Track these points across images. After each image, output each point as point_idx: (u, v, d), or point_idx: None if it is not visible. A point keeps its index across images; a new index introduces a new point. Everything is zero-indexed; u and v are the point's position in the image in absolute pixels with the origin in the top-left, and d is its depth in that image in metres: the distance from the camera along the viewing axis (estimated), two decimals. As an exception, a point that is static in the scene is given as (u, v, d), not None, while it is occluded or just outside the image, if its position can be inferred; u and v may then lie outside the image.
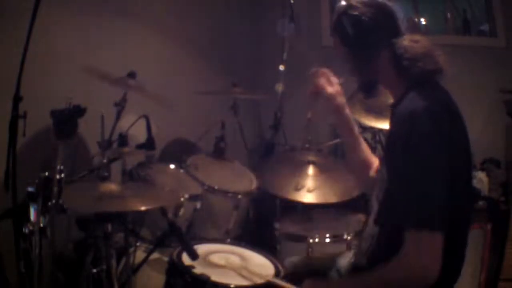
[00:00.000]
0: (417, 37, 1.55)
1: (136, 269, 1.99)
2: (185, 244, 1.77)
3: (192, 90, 2.93)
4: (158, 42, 3.09)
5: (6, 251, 2.23)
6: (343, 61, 1.64)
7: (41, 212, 1.66)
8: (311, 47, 3.45)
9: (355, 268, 1.68)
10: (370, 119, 2.50)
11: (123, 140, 2.24)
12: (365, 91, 1.67)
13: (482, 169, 2.83)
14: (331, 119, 1.86)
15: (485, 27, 3.10)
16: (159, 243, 2.00)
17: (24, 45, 1.96)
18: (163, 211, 1.88)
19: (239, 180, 2.61)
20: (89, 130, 2.15)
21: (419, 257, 1.35)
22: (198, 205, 2.31)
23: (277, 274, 1.80)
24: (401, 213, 1.39)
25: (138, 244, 2.12)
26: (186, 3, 3.24)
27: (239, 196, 2.46)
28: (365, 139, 2.96)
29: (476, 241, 2.69)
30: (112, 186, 1.81)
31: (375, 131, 2.85)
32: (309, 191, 2.45)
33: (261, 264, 1.89)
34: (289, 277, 1.75)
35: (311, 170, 2.56)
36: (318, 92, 1.82)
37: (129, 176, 2.27)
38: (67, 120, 2.16)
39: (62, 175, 1.71)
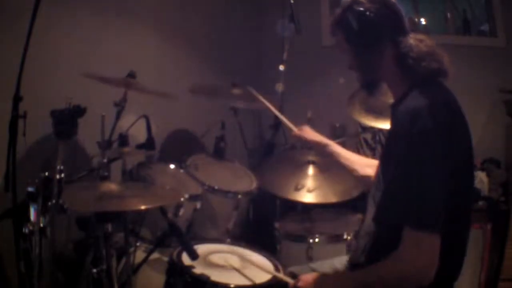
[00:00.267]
0: (421, 36, 1.55)
1: (136, 269, 1.99)
2: (185, 244, 1.77)
3: (192, 90, 2.93)
4: (158, 42, 3.09)
5: (6, 251, 2.23)
6: (346, 57, 1.63)
7: (41, 212, 1.66)
8: (311, 47, 3.45)
9: (352, 266, 1.68)
10: (370, 119, 2.50)
11: (123, 140, 2.24)
12: (367, 89, 1.66)
13: (482, 169, 2.83)
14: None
15: (485, 27, 3.10)
16: (159, 243, 2.00)
17: (24, 45, 1.96)
18: (163, 211, 1.89)
19: (239, 180, 2.61)
20: (89, 130, 2.15)
21: (416, 258, 1.36)
22: (198, 205, 2.31)
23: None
24: (401, 212, 1.39)
25: (138, 244, 2.12)
26: (186, 3, 3.24)
27: (239, 196, 2.46)
28: (365, 139, 2.98)
29: (476, 241, 2.69)
30: (112, 186, 1.81)
31: (375, 131, 2.85)
32: (309, 191, 2.46)
33: (261, 264, 1.89)
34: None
35: (311, 170, 2.56)
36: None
37: (129, 176, 2.27)
38: (67, 120, 2.15)
39: (62, 175, 1.71)
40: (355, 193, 2.45)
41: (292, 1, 2.71)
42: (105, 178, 1.84)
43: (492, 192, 2.75)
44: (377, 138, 2.85)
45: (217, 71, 3.43)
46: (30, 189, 1.70)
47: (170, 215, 1.95)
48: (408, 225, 1.37)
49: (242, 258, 1.91)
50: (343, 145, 2.09)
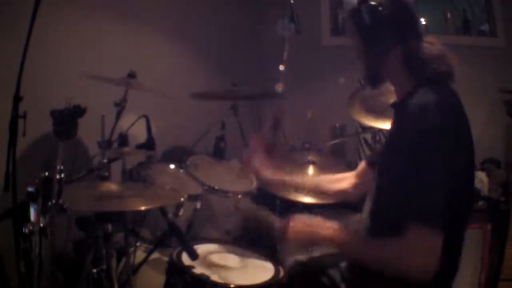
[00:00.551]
0: (432, 39, 1.56)
1: (136, 269, 1.99)
2: (185, 244, 1.77)
3: (192, 90, 2.93)
4: (158, 42, 3.09)
5: (6, 251, 2.23)
6: (354, 47, 1.62)
7: (41, 212, 1.65)
8: (311, 47, 3.45)
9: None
10: (370, 119, 2.50)
11: (123, 140, 2.24)
12: (371, 82, 1.66)
13: (482, 169, 2.83)
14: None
15: (485, 27, 3.10)
16: (159, 243, 2.00)
17: (24, 45, 1.96)
18: (163, 211, 1.88)
19: (239, 180, 2.61)
20: (89, 130, 2.15)
21: (417, 254, 1.36)
22: (198, 205, 2.31)
23: (276, 274, 1.80)
24: (405, 207, 1.39)
25: (138, 244, 2.12)
26: (186, 3, 3.24)
27: (239, 196, 2.46)
28: (365, 139, 2.98)
29: (476, 241, 2.69)
30: (112, 186, 1.81)
31: (375, 131, 2.85)
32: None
33: (261, 264, 1.89)
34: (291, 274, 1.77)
35: (311, 170, 2.56)
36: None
37: (129, 176, 2.27)
38: (67, 120, 2.15)
39: (62, 175, 1.71)
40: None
41: (292, 1, 2.71)
42: (105, 178, 1.84)
43: (492, 192, 2.75)
44: (377, 138, 2.85)
45: (217, 71, 3.43)
46: (30, 189, 1.70)
47: (170, 215, 1.94)
48: (413, 220, 1.36)
49: (242, 258, 1.91)
50: (343, 145, 2.09)
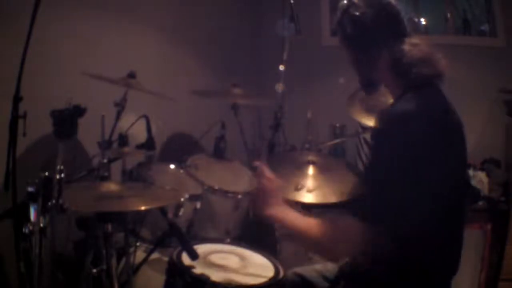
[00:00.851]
0: (416, 40, 1.54)
1: (136, 269, 1.99)
2: (185, 244, 1.77)
3: (192, 90, 2.94)
4: (158, 42, 3.09)
5: (6, 251, 2.23)
6: (346, 56, 1.64)
7: (41, 212, 1.65)
8: (311, 47, 3.45)
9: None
10: (370, 119, 2.50)
11: (123, 140, 2.24)
12: (365, 89, 1.67)
13: (482, 169, 2.83)
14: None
15: (485, 27, 3.10)
16: (159, 243, 2.00)
17: (24, 45, 1.96)
18: (163, 211, 1.88)
19: (239, 180, 2.61)
20: (89, 130, 2.15)
21: (343, 239, 1.43)
22: (198, 205, 2.31)
23: (276, 274, 1.80)
24: (379, 213, 1.41)
25: (138, 244, 2.12)
26: (186, 3, 3.24)
27: (239, 196, 2.46)
28: (365, 139, 2.98)
29: (476, 241, 2.69)
30: (112, 186, 1.81)
31: (375, 131, 2.85)
32: (309, 191, 2.45)
33: (261, 264, 1.89)
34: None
35: (311, 170, 2.56)
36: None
37: (129, 176, 2.27)
38: (67, 120, 2.15)
39: (62, 175, 1.71)
40: (355, 193, 2.45)
41: (292, 1, 2.71)
42: (105, 178, 1.84)
43: (492, 192, 2.75)
44: (377, 138, 2.85)
45: (217, 71, 3.43)
46: (30, 189, 1.70)
47: (170, 215, 1.95)
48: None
49: (242, 258, 1.91)
50: (343, 145, 2.09)
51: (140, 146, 2.36)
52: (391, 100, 1.63)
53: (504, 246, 2.64)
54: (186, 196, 2.21)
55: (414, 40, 1.54)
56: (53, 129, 2.16)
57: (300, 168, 2.56)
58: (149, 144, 2.37)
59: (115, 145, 2.27)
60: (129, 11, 2.88)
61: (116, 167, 2.24)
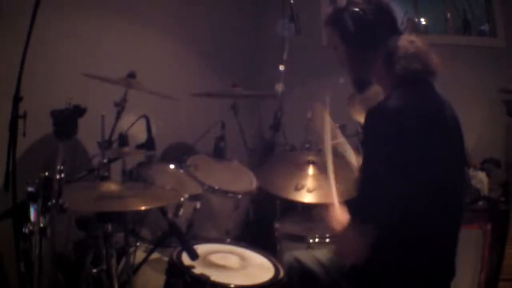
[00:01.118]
0: (413, 37, 1.55)
1: (136, 269, 1.99)
2: (185, 244, 1.77)
3: (192, 90, 2.94)
4: (158, 42, 3.09)
5: (6, 251, 2.23)
6: (336, 55, 1.64)
7: (41, 212, 1.65)
8: (311, 47, 3.44)
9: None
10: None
11: (123, 140, 2.24)
12: (358, 87, 1.67)
13: (482, 169, 2.82)
14: None
15: (485, 27, 3.10)
16: (159, 243, 2.00)
17: (24, 45, 1.96)
18: (163, 211, 1.88)
19: (239, 180, 2.61)
20: (89, 130, 2.15)
21: (348, 242, 1.55)
22: (198, 205, 2.31)
23: (276, 274, 1.80)
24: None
25: (138, 244, 2.12)
26: (186, 3, 3.24)
27: (239, 196, 2.46)
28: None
29: (476, 241, 2.69)
30: (112, 186, 1.81)
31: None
32: (309, 191, 2.45)
33: (261, 264, 1.89)
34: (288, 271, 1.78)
35: (311, 170, 2.56)
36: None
37: (129, 176, 2.27)
38: (67, 120, 2.16)
39: (62, 175, 1.71)
40: (355, 193, 2.45)
41: (292, 1, 2.71)
42: (105, 178, 1.84)
43: (492, 192, 2.75)
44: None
45: (217, 71, 3.43)
46: (30, 189, 1.70)
47: (170, 215, 1.95)
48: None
49: (242, 258, 1.91)
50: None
51: (140, 146, 2.36)
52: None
53: (504, 246, 2.64)
54: (186, 196, 2.21)
55: (410, 37, 1.55)
56: (53, 129, 2.16)
57: (300, 168, 2.56)
58: (149, 144, 2.37)
59: (115, 145, 2.27)
60: (129, 11, 2.88)
61: (116, 167, 2.24)
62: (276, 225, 2.49)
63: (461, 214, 1.59)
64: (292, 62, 2.81)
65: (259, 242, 2.12)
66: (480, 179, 2.76)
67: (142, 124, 2.37)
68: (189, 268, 1.74)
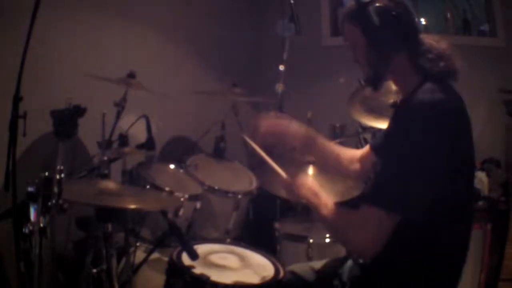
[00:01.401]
0: (436, 37, 1.57)
1: (136, 269, 1.99)
2: (185, 244, 1.77)
3: (192, 90, 2.94)
4: (158, 42, 3.09)
5: (6, 251, 2.23)
6: (354, 50, 1.62)
7: (41, 212, 1.65)
8: (311, 47, 3.45)
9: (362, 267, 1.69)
10: (370, 119, 2.50)
11: (123, 140, 2.24)
12: (374, 83, 1.65)
13: (482, 169, 2.83)
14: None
15: (485, 27, 3.10)
16: (159, 243, 2.00)
17: (24, 45, 1.96)
18: (163, 211, 1.89)
19: (239, 180, 2.61)
20: (89, 130, 2.15)
21: (364, 228, 1.44)
22: (198, 205, 2.31)
23: (276, 274, 1.80)
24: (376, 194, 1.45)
25: (138, 244, 2.12)
26: (186, 3, 3.24)
27: (239, 196, 2.46)
28: (365, 139, 2.98)
29: (476, 241, 2.68)
30: (111, 186, 1.81)
31: (375, 131, 2.85)
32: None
33: (261, 264, 1.89)
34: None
35: (311, 170, 2.56)
36: None
37: (129, 176, 2.27)
38: (67, 120, 2.15)
39: (62, 175, 1.71)
40: (355, 193, 2.45)
41: (292, 1, 2.71)
42: (105, 176, 1.84)
43: (492, 192, 2.75)
44: (377, 138, 2.85)
45: (217, 71, 3.43)
46: (30, 189, 1.70)
47: (170, 215, 1.95)
48: (374, 202, 1.43)
49: (242, 258, 1.91)
50: (343, 145, 2.09)
51: (140, 146, 2.36)
52: (391, 100, 1.63)
53: (504, 246, 2.64)
54: (186, 196, 2.21)
55: (435, 37, 1.57)
56: (53, 129, 2.16)
57: (300, 168, 2.56)
58: (149, 144, 2.37)
59: (115, 145, 2.27)
60: (129, 11, 2.88)
61: (116, 167, 2.24)
62: (276, 225, 2.49)
63: (473, 216, 1.61)
64: (292, 62, 2.81)
65: (259, 242, 2.12)
66: (480, 179, 2.76)
67: (142, 124, 2.37)
68: (189, 268, 1.74)
